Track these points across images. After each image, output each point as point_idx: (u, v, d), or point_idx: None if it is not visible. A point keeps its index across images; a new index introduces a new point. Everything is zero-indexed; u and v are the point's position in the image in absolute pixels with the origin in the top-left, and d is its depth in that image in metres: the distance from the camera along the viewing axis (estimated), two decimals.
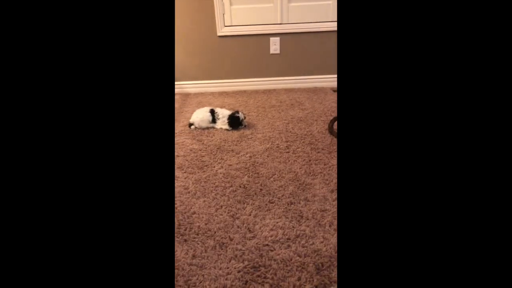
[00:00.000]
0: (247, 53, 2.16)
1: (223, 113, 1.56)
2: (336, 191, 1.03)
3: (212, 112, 1.56)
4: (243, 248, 0.80)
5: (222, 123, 1.56)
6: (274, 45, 2.14)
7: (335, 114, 1.64)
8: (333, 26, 2.07)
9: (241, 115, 1.54)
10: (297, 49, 2.15)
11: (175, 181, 1.12)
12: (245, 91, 2.20)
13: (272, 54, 2.16)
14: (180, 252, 0.80)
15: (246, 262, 0.76)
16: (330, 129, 1.47)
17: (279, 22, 2.06)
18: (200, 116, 1.56)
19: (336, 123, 1.50)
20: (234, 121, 1.53)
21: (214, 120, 1.55)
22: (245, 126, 1.57)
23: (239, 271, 0.73)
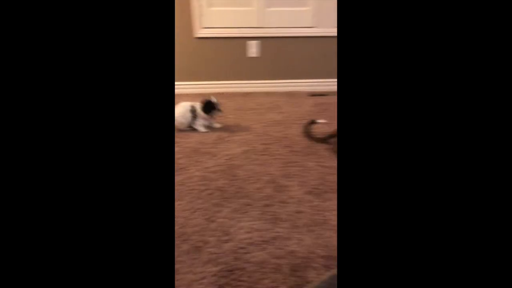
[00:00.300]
0: (225, 55, 2.15)
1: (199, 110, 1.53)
2: (311, 193, 1.05)
3: (194, 111, 1.52)
4: (219, 252, 0.79)
5: (200, 123, 1.53)
6: (253, 48, 2.15)
7: (311, 118, 1.68)
8: (311, 31, 2.12)
9: (213, 99, 1.51)
10: (275, 53, 2.18)
11: None
12: (223, 94, 2.19)
13: (250, 57, 2.18)
14: None
15: (221, 266, 0.75)
16: (305, 132, 1.50)
17: (257, 26, 2.08)
18: (180, 119, 1.52)
19: (311, 126, 1.53)
20: (209, 106, 1.50)
21: (194, 120, 1.53)
22: (219, 110, 1.53)
23: (213, 275, 0.72)
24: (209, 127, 1.58)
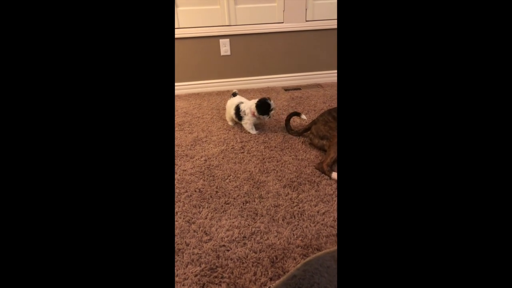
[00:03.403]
0: (197, 55, 2.14)
1: (248, 105, 1.47)
2: (288, 186, 1.08)
3: (237, 108, 1.50)
4: (200, 252, 0.81)
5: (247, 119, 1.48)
6: (224, 47, 2.15)
7: (287, 113, 1.71)
8: (280, 27, 2.15)
9: (269, 100, 1.42)
10: (247, 50, 2.19)
11: None
12: (198, 94, 2.18)
13: (223, 55, 2.18)
14: None
15: (203, 265, 0.77)
16: (287, 123, 1.51)
17: (227, 24, 2.08)
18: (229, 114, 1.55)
19: (291, 118, 1.56)
20: (264, 107, 1.41)
21: (239, 117, 1.50)
22: (270, 117, 1.45)
23: (196, 275, 0.74)
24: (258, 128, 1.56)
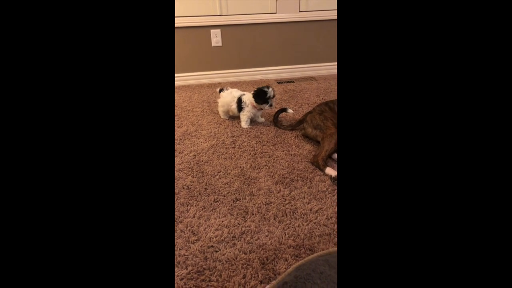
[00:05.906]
0: (187, 46, 2.06)
1: (248, 98, 1.44)
2: (280, 182, 1.04)
3: (239, 100, 1.45)
4: (187, 253, 0.77)
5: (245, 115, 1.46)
6: (216, 37, 2.08)
7: (280, 106, 1.66)
8: (273, 18, 2.08)
9: (266, 87, 1.39)
10: (239, 41, 2.13)
11: None
12: (188, 86, 2.11)
13: (214, 46, 2.11)
14: None
15: (189, 268, 0.73)
16: (275, 120, 1.49)
17: (218, 14, 2.00)
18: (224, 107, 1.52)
19: (280, 114, 1.52)
20: (262, 96, 1.39)
21: (240, 109, 1.46)
22: (271, 105, 1.43)
23: (182, 279, 0.70)
24: (254, 121, 1.52)
